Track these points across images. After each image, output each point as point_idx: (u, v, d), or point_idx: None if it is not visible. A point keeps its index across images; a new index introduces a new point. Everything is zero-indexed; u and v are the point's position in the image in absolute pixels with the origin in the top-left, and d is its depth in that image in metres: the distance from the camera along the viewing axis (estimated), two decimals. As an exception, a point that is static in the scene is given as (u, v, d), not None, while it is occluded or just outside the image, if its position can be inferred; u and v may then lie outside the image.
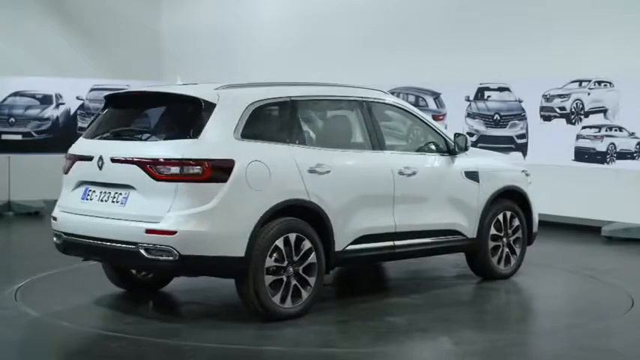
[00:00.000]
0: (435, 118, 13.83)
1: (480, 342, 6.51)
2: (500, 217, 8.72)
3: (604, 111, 11.84)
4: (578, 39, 12.50)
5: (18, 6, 16.56)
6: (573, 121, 12.22)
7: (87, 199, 7.09)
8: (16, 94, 14.28)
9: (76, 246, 7.18)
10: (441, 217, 8.23)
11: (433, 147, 8.37)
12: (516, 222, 8.90)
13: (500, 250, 8.76)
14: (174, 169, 6.55)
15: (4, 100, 14.22)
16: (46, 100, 14.45)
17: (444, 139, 8.41)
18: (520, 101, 12.92)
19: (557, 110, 12.42)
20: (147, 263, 6.69)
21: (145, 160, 6.66)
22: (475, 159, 8.62)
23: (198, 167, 6.53)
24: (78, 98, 14.69)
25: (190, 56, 18.30)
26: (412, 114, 8.37)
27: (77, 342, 6.48)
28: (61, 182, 7.42)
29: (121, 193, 6.82)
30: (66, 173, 7.39)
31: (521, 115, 12.89)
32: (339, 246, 7.26)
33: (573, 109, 12.22)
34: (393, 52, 15.02)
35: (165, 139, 6.84)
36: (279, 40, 17.19)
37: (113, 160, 6.86)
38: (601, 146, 11.84)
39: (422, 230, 8.03)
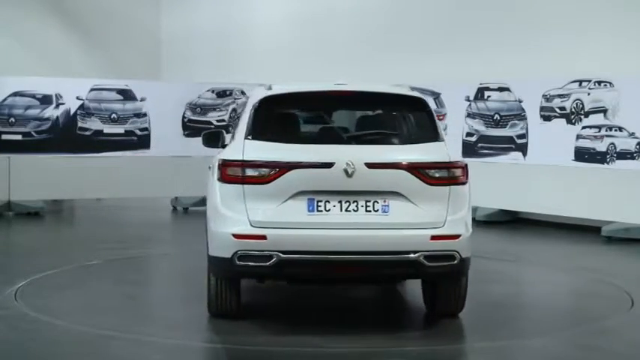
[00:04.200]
0: (434, 118, 13.84)
1: (480, 341, 6.52)
2: None
3: (604, 111, 11.84)
4: (578, 39, 12.51)
5: (18, 6, 16.58)
6: (573, 121, 12.23)
7: (318, 211, 6.41)
8: (16, 94, 14.26)
9: (303, 265, 6.40)
10: None
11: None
12: None
13: None
14: (444, 173, 6.52)
15: (4, 100, 14.20)
16: (46, 100, 14.43)
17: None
18: (520, 101, 12.92)
19: (557, 110, 12.43)
20: (424, 270, 6.44)
21: (418, 164, 6.48)
22: None
23: (460, 169, 6.58)
24: (78, 98, 14.65)
25: (189, 57, 18.32)
26: None
27: (77, 342, 6.47)
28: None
29: (377, 201, 6.43)
30: (263, 184, 6.44)
31: (521, 115, 12.89)
32: None
33: (573, 109, 12.22)
34: (393, 52, 15.03)
35: (414, 142, 6.82)
36: (277, 41, 17.20)
37: (370, 166, 6.41)
38: (601, 146, 11.85)
39: None
